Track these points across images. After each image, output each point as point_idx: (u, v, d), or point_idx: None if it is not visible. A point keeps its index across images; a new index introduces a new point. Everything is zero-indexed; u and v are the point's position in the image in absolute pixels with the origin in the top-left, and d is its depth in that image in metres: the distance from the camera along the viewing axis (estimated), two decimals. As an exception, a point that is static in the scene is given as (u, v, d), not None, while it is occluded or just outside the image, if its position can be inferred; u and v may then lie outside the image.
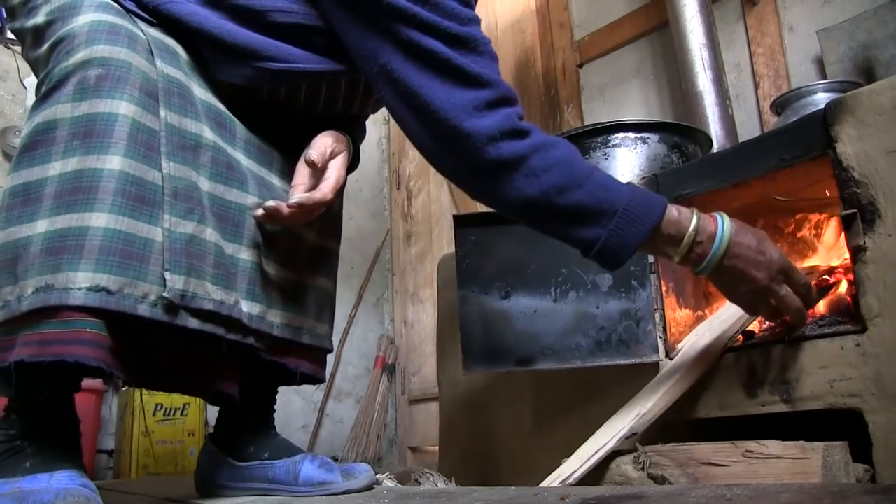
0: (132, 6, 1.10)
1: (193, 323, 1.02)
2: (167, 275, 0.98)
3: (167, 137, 1.02)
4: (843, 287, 1.32)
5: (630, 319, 1.40)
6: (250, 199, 1.13)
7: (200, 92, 1.13)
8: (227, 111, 1.17)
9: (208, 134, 1.10)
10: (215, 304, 1.04)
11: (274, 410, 1.38)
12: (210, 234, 1.05)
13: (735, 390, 1.25)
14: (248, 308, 1.11)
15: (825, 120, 1.17)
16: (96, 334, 0.94)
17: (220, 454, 1.29)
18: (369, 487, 1.23)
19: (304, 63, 1.13)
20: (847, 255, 1.22)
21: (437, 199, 3.51)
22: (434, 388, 2.96)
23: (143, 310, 0.96)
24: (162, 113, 1.03)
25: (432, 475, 1.62)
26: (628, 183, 1.08)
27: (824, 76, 1.99)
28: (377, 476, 1.35)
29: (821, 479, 0.97)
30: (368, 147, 3.92)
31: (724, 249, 1.07)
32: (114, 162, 0.96)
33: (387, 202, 3.89)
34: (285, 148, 1.26)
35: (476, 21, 1.08)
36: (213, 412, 2.98)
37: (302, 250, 1.26)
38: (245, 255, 1.12)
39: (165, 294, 0.97)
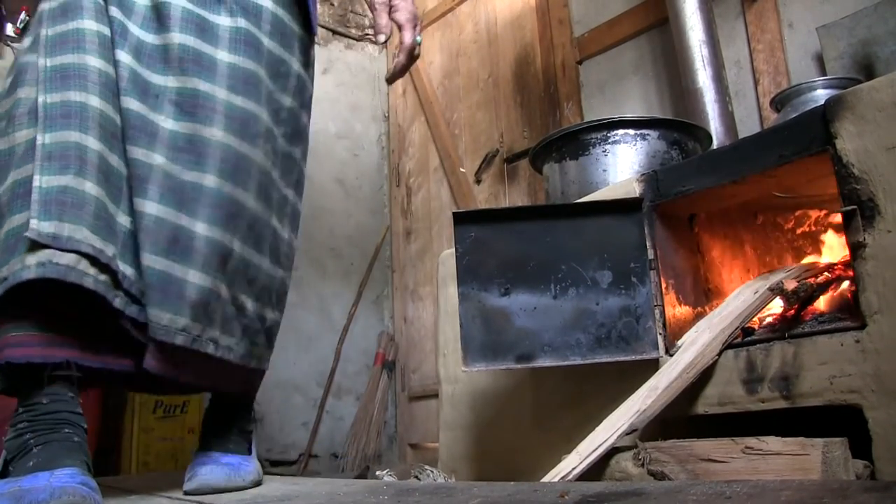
0: None
1: (90, 274, 1.05)
2: (32, 222, 1.03)
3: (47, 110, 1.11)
4: (843, 283, 1.32)
5: (630, 316, 1.40)
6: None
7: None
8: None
9: (95, 102, 1.13)
10: (94, 249, 1.06)
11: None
12: (90, 187, 1.08)
13: (735, 387, 1.25)
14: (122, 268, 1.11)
15: (825, 116, 1.17)
16: (23, 335, 1.03)
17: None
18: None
19: None
20: (847, 252, 1.22)
21: (437, 196, 3.51)
22: (434, 385, 2.96)
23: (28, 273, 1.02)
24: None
25: (432, 472, 1.63)
26: None
27: (824, 73, 1.99)
28: (377, 473, 1.36)
29: (820, 475, 0.97)
30: (368, 144, 3.92)
31: None
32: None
33: (386, 199, 3.89)
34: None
35: None
36: (213, 409, 2.98)
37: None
38: (122, 219, 1.14)
39: (27, 234, 1.02)
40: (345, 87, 3.91)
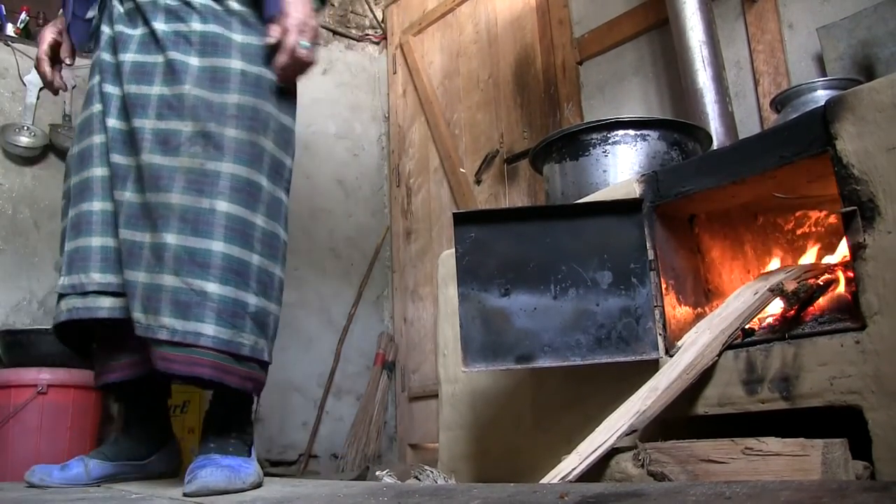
0: None
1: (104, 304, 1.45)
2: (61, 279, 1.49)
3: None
4: (843, 284, 1.32)
5: (630, 316, 1.40)
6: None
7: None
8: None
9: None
10: (101, 284, 1.45)
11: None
12: (95, 240, 1.46)
13: (735, 387, 1.25)
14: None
15: (825, 117, 1.17)
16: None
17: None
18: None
19: None
20: (847, 253, 1.22)
21: (437, 197, 3.51)
22: (434, 385, 2.96)
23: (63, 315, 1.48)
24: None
25: (432, 472, 1.62)
26: None
27: (824, 73, 1.99)
28: (377, 473, 1.36)
29: (820, 476, 0.97)
30: (368, 144, 3.92)
31: None
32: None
33: (386, 199, 3.89)
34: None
35: None
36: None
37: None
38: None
39: (57, 290, 1.49)
40: (345, 87, 3.91)
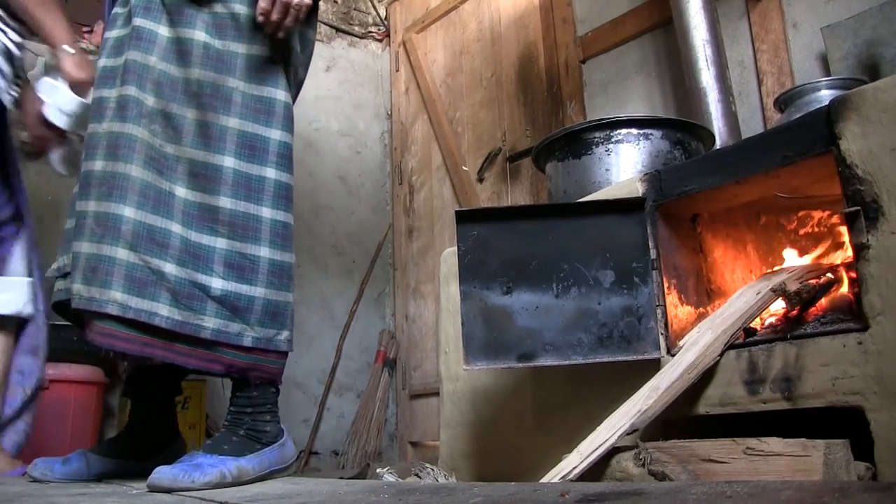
0: None
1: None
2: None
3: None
4: (846, 285, 1.31)
5: (632, 316, 1.40)
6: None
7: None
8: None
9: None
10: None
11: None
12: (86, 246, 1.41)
13: (736, 387, 1.25)
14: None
15: (829, 117, 1.17)
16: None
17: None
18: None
19: None
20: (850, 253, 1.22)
21: (440, 195, 3.51)
22: (435, 383, 2.96)
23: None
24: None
25: (433, 470, 1.63)
26: None
27: (828, 73, 1.98)
28: (378, 471, 1.36)
29: (822, 476, 0.97)
30: (371, 142, 3.91)
31: None
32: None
33: (388, 197, 3.89)
34: None
35: None
36: (213, 406, 2.99)
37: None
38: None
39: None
40: (348, 84, 3.91)
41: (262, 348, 1.43)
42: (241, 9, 1.47)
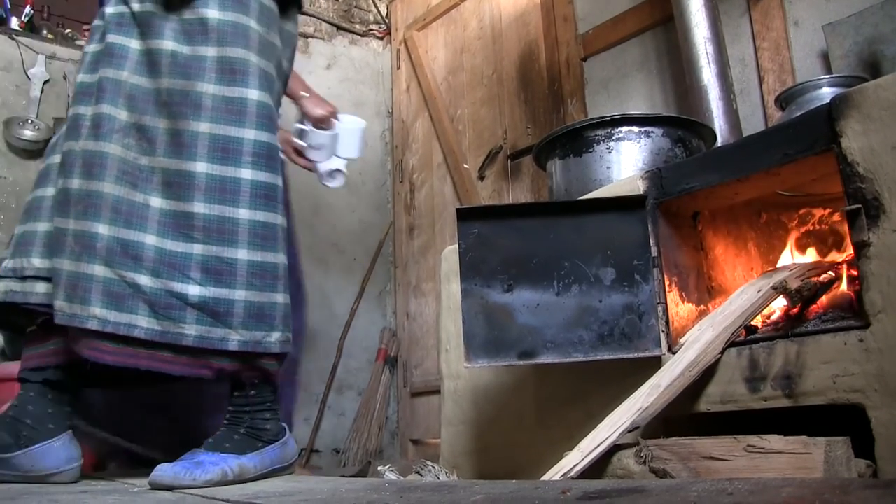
0: None
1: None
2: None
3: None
4: (846, 282, 1.31)
5: (633, 313, 1.40)
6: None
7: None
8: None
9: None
10: (39, 270, 1.44)
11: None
12: (41, 225, 1.47)
13: (737, 385, 1.25)
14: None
15: (830, 115, 1.16)
16: None
17: None
18: None
19: None
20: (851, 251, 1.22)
21: (440, 193, 3.51)
22: (436, 381, 2.96)
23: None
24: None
25: (434, 468, 1.63)
26: None
27: (829, 71, 1.98)
28: (379, 468, 1.36)
29: (822, 474, 0.97)
30: (371, 140, 3.91)
31: None
32: None
33: (389, 195, 3.89)
34: None
35: None
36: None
37: None
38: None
39: None
40: (349, 82, 3.91)
41: (249, 352, 1.40)
42: (210, 12, 1.45)
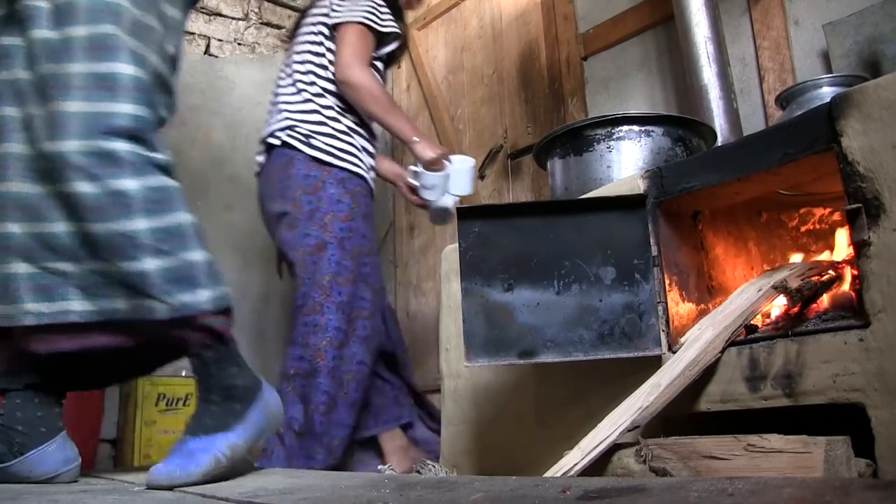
0: None
1: None
2: None
3: None
4: (847, 282, 1.31)
5: (633, 312, 1.40)
6: None
7: None
8: None
9: None
10: None
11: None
12: None
13: (737, 384, 1.25)
14: None
15: (830, 114, 1.17)
16: None
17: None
18: None
19: None
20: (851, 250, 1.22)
21: (440, 192, 3.51)
22: (436, 380, 2.95)
23: None
24: None
25: (434, 466, 1.63)
26: None
27: (830, 70, 1.98)
28: (379, 467, 1.36)
29: (823, 473, 0.97)
30: (372, 139, 3.91)
31: None
32: None
33: (390, 194, 3.89)
34: None
35: None
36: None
37: None
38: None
39: None
40: (349, 81, 3.90)
41: (181, 316, 1.36)
42: None
